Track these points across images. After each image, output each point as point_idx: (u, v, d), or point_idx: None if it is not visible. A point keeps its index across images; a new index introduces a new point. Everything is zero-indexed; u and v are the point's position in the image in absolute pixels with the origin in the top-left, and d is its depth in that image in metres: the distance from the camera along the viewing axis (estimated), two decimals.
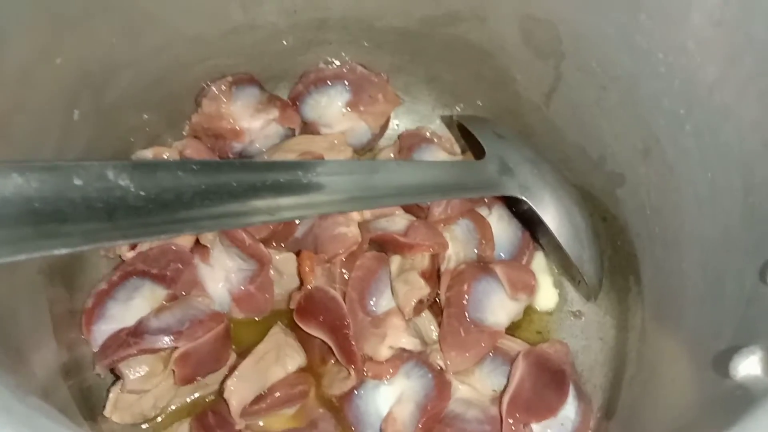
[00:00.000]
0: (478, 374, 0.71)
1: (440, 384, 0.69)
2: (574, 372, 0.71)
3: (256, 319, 0.74)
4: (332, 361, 0.72)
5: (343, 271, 0.74)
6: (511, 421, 0.65)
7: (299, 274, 0.74)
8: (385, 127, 0.86)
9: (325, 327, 0.70)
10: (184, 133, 0.79)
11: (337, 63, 0.82)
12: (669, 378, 0.57)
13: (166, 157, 0.76)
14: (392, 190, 0.62)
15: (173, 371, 0.66)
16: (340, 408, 0.71)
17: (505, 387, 0.68)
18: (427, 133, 0.84)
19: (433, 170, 0.68)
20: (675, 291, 0.61)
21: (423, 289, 0.71)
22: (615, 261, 0.74)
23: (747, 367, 0.39)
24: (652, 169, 0.66)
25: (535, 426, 0.66)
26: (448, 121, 0.86)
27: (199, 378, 0.67)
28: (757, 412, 0.31)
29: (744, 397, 0.35)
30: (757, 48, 0.52)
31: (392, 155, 0.83)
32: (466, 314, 0.71)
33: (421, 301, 0.71)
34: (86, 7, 0.58)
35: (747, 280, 0.47)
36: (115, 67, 0.65)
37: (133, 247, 0.73)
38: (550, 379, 0.67)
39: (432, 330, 0.73)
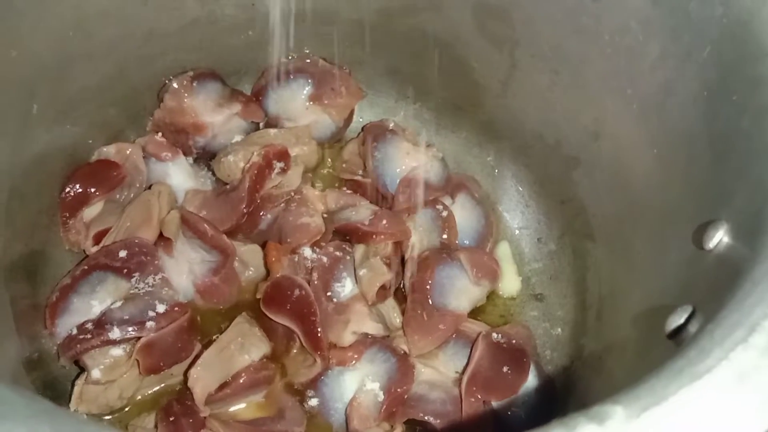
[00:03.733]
0: (441, 357, 0.72)
1: (403, 367, 0.69)
2: (535, 353, 0.72)
3: (221, 308, 0.75)
4: (295, 350, 0.72)
5: (308, 260, 0.75)
6: (472, 399, 0.66)
7: (266, 264, 0.75)
8: (349, 120, 0.87)
9: (293, 315, 0.71)
10: (147, 129, 0.80)
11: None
12: (620, 348, 0.58)
13: (128, 153, 0.77)
14: None
15: (137, 361, 0.66)
16: (306, 395, 0.71)
17: (465, 367, 0.69)
18: (391, 125, 0.85)
19: None
20: (627, 265, 0.63)
21: (386, 275, 0.72)
22: (574, 243, 0.76)
23: (678, 322, 0.40)
24: (604, 150, 0.67)
25: (497, 404, 0.67)
26: None
27: (164, 368, 0.67)
28: (679, 362, 0.32)
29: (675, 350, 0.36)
30: (694, 24, 0.53)
31: (357, 146, 0.84)
32: (430, 299, 0.72)
33: (383, 287, 0.72)
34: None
35: (687, 247, 0.49)
36: (72, 59, 0.65)
37: (97, 241, 0.73)
38: (510, 359, 0.68)
39: (395, 317, 0.74)
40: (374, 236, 0.74)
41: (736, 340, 0.31)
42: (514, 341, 0.70)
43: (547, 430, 0.29)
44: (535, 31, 0.69)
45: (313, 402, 0.71)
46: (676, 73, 0.55)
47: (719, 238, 0.45)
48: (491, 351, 0.69)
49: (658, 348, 0.46)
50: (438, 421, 0.67)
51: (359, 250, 0.76)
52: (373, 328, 0.71)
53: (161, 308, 0.67)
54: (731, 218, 0.45)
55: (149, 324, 0.66)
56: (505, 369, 0.68)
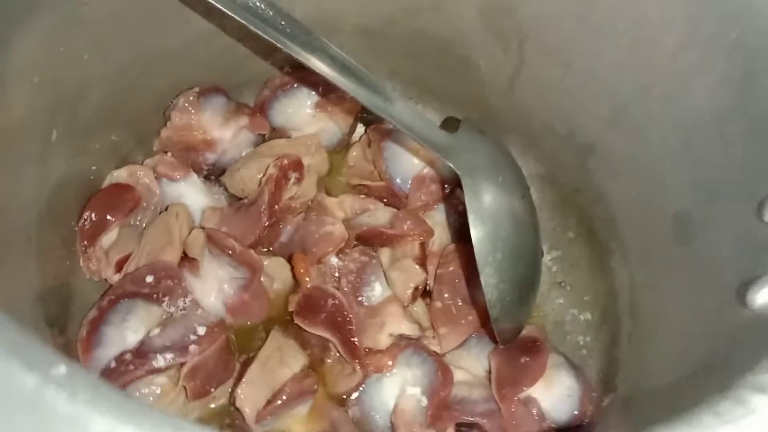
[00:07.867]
0: (467, 357, 0.73)
1: (442, 369, 0.70)
2: (551, 345, 0.73)
3: (250, 324, 0.74)
4: (330, 360, 0.72)
5: (334, 268, 0.75)
6: (507, 400, 0.67)
7: (294, 276, 0.74)
8: (354, 125, 0.87)
9: (327, 325, 0.70)
10: (155, 149, 0.78)
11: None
12: (670, 326, 0.60)
13: (140, 175, 0.75)
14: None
15: (184, 388, 0.64)
16: (347, 405, 0.71)
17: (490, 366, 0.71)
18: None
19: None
20: (662, 244, 0.64)
21: (420, 275, 0.72)
22: (593, 230, 0.77)
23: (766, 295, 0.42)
24: (623, 136, 0.69)
25: (543, 402, 0.69)
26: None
27: (210, 391, 0.66)
28: None
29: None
30: (713, 11, 0.56)
31: (361, 149, 0.84)
32: (457, 292, 0.73)
33: (417, 288, 0.73)
34: (62, 21, 0.56)
35: (744, 221, 0.51)
36: (87, 83, 0.64)
37: (119, 268, 0.71)
38: (523, 348, 0.71)
39: (424, 317, 0.74)
40: (400, 238, 0.75)
41: None
42: (524, 333, 0.72)
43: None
44: (544, 26, 0.70)
45: (354, 412, 0.70)
46: (700, 59, 0.57)
47: None
48: (504, 354, 0.71)
49: (727, 320, 0.48)
50: (485, 420, 0.68)
51: (385, 253, 0.76)
52: (409, 328, 0.71)
53: (201, 330, 0.66)
54: None
55: (192, 348, 0.65)
56: (523, 360, 0.70)
